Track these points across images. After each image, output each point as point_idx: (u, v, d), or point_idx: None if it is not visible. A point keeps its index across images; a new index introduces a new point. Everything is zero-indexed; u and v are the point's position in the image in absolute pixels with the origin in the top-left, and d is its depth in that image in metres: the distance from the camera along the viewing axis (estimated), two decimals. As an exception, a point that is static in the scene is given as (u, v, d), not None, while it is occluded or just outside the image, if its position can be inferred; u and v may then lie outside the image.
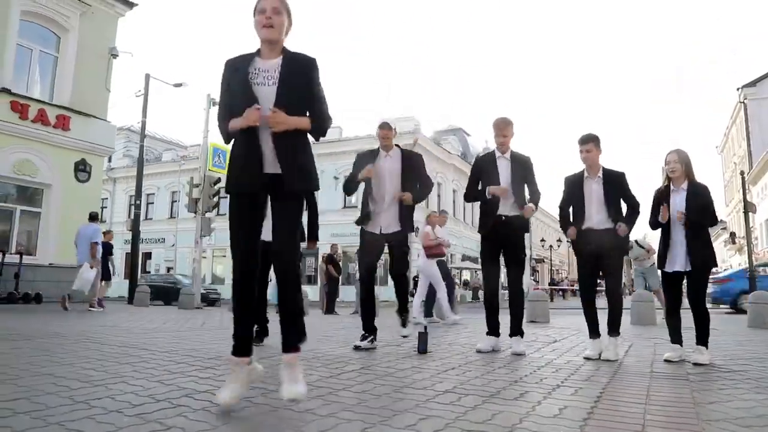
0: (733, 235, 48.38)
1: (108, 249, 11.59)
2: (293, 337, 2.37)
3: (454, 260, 36.54)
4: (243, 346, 2.40)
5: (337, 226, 27.49)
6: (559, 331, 6.61)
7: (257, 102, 2.33)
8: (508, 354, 4.28)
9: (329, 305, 14.14)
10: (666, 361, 3.91)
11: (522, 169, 4.49)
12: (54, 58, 15.00)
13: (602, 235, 4.20)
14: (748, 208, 19.77)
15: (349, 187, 4.71)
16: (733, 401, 2.61)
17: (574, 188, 4.40)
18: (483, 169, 4.60)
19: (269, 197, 2.43)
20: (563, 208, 4.50)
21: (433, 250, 8.30)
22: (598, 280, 4.56)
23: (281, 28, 2.41)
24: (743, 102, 45.02)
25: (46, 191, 14.33)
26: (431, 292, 8.44)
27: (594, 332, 4.25)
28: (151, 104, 19.62)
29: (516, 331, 4.45)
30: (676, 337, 4.05)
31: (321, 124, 2.45)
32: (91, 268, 10.08)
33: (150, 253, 38.82)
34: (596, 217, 4.26)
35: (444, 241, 8.50)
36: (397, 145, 4.77)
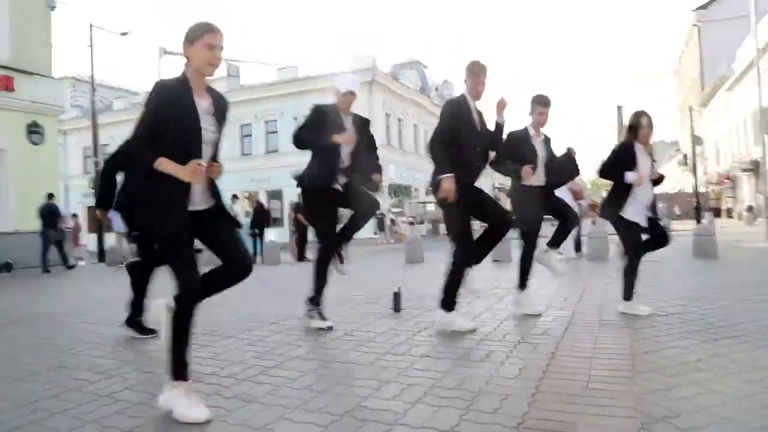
0: (685, 156, 50.21)
1: None
2: None
3: (418, 194, 37.16)
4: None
5: (299, 167, 27.26)
6: (520, 274, 7.10)
7: (201, 148, 2.38)
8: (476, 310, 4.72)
9: (300, 253, 14.50)
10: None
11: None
12: (-16, 14, 14.10)
13: (542, 192, 4.48)
14: (695, 141, 20.81)
15: (311, 142, 4.15)
16: (664, 350, 3.08)
17: (521, 145, 4.45)
18: (462, 121, 3.94)
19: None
20: (500, 161, 4.47)
21: (578, 196, 9.45)
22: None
23: None
24: (696, 25, 45.62)
25: (0, 157, 13.88)
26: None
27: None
28: (97, 52, 18.71)
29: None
30: (631, 294, 4.26)
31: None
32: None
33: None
34: (540, 175, 4.50)
35: (584, 184, 9.48)
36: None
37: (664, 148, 64.50)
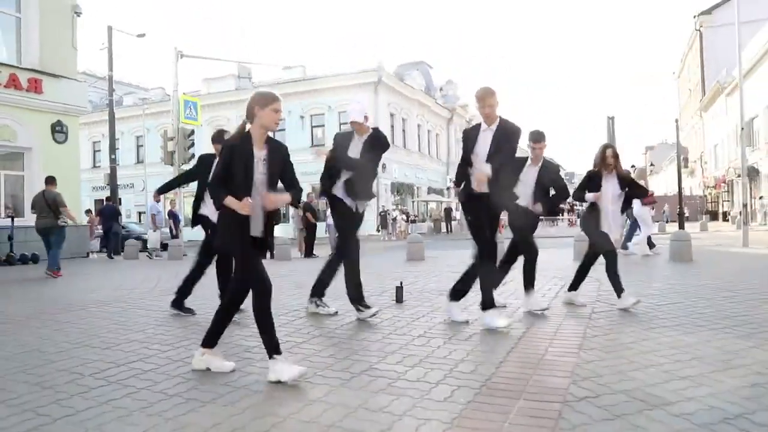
0: (685, 159, 50.80)
1: (174, 216, 16.77)
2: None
3: (420, 193, 37.99)
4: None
5: (305, 164, 28.26)
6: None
7: (252, 188, 3.10)
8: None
9: (308, 249, 15.36)
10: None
11: (506, 140, 4.33)
12: (16, 19, 14.94)
13: (519, 212, 5.23)
14: (679, 151, 21.77)
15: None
16: (609, 334, 3.91)
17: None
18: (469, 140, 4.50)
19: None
20: None
21: (648, 200, 10.61)
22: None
23: None
24: (699, 30, 46.26)
25: (27, 155, 14.77)
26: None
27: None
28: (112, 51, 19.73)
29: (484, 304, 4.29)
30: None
31: (297, 193, 3.29)
32: (154, 231, 15.72)
33: (120, 199, 38.99)
34: (527, 198, 5.27)
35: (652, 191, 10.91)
36: (374, 128, 4.99)
37: (664, 150, 65.26)
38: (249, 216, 3.10)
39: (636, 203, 10.64)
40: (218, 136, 4.93)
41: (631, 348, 3.52)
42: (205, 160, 5.25)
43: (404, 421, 2.38)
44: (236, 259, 3.22)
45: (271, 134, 3.33)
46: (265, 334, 3.08)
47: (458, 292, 4.59)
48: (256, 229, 3.18)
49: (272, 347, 3.06)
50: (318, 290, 5.02)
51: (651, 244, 10.87)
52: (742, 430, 2.21)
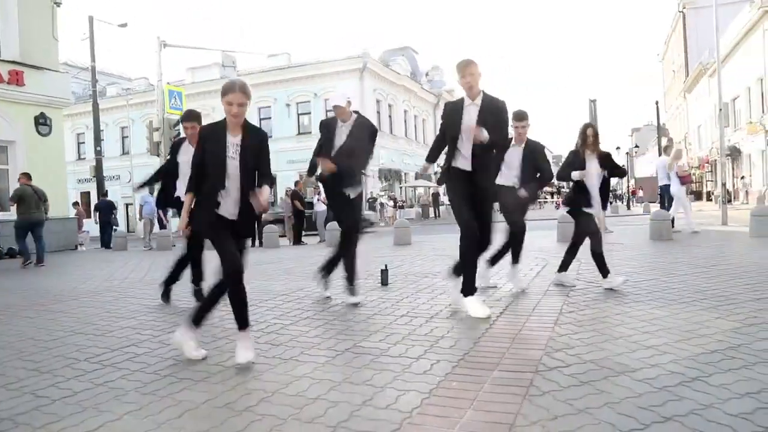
0: (670, 140, 51.26)
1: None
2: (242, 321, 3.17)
3: (407, 179, 38.09)
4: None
5: (291, 152, 28.41)
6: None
7: (226, 172, 3.11)
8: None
9: (297, 237, 15.47)
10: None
11: (493, 115, 4.13)
12: (-6, 10, 14.76)
13: (507, 192, 5.34)
14: (660, 133, 22.03)
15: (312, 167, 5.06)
16: (584, 310, 4.09)
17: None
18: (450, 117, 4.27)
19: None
20: None
21: (686, 179, 11.15)
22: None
23: (244, 113, 3.15)
24: (682, 11, 46.50)
25: (10, 148, 14.69)
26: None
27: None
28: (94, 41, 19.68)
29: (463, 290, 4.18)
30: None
31: (271, 180, 3.31)
32: (140, 220, 16.63)
33: (106, 191, 38.69)
34: (510, 177, 5.41)
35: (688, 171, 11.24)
36: (355, 112, 4.96)
37: (649, 132, 65.81)
38: (219, 199, 3.14)
39: (675, 183, 10.87)
40: (186, 118, 4.94)
41: (603, 322, 3.70)
42: (174, 148, 5.31)
43: (385, 392, 2.54)
44: (210, 241, 3.23)
45: (257, 121, 3.36)
46: (235, 311, 3.16)
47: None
48: (227, 212, 3.17)
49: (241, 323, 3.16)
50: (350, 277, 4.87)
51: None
52: (698, 390, 2.39)
